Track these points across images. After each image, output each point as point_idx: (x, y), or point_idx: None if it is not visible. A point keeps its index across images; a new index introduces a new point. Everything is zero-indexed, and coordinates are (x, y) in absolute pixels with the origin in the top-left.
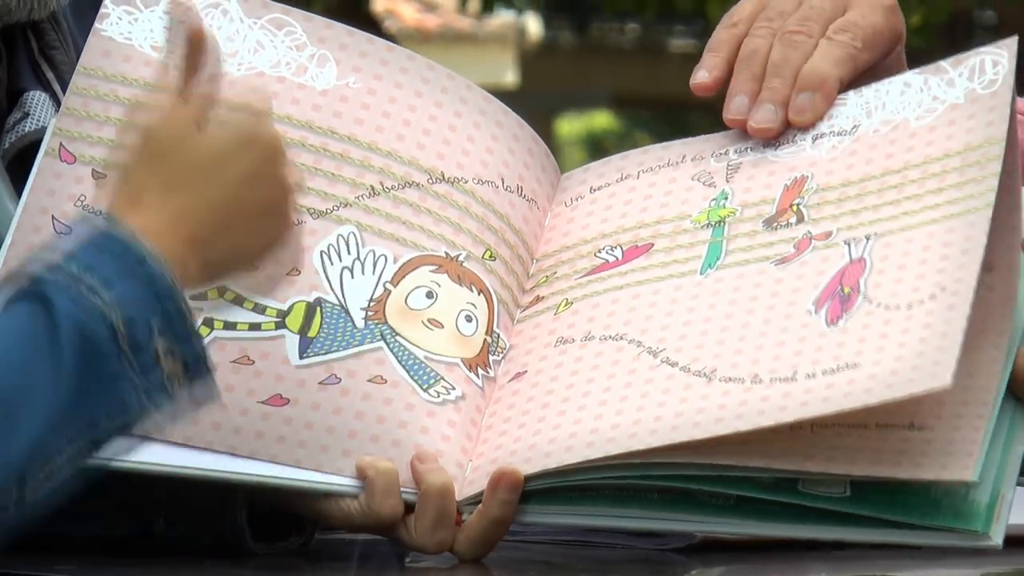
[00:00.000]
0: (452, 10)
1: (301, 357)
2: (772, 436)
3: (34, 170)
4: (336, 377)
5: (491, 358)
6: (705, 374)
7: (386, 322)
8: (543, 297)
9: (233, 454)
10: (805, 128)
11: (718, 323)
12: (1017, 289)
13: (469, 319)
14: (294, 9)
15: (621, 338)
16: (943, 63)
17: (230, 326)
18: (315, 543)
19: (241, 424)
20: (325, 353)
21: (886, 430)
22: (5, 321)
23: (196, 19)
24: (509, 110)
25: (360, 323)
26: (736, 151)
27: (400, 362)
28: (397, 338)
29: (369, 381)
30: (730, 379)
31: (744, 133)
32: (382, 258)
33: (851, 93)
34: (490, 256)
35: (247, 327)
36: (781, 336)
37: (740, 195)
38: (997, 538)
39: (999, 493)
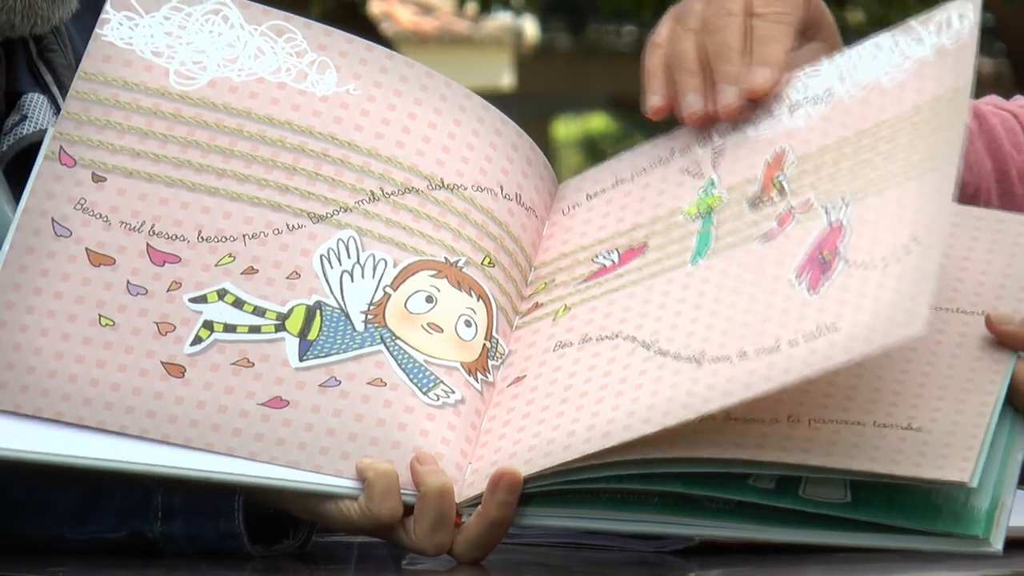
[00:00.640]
0: (449, 13)
1: (301, 360)
2: (770, 430)
3: (34, 173)
4: (336, 380)
5: (490, 363)
6: (695, 358)
7: (386, 325)
8: (542, 304)
9: (233, 456)
10: (767, 98)
11: (707, 308)
12: None
13: (468, 324)
14: (294, 16)
15: (616, 336)
16: (912, 22)
17: (230, 328)
18: (312, 545)
19: (241, 426)
20: (325, 356)
21: (883, 429)
22: None
23: None
24: (507, 119)
25: (360, 326)
26: (719, 134)
27: (400, 365)
28: (397, 341)
29: (369, 384)
30: (718, 359)
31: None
32: (382, 262)
33: (824, 61)
34: (489, 263)
35: (247, 330)
36: (766, 311)
37: (726, 179)
38: (997, 544)
39: (999, 499)
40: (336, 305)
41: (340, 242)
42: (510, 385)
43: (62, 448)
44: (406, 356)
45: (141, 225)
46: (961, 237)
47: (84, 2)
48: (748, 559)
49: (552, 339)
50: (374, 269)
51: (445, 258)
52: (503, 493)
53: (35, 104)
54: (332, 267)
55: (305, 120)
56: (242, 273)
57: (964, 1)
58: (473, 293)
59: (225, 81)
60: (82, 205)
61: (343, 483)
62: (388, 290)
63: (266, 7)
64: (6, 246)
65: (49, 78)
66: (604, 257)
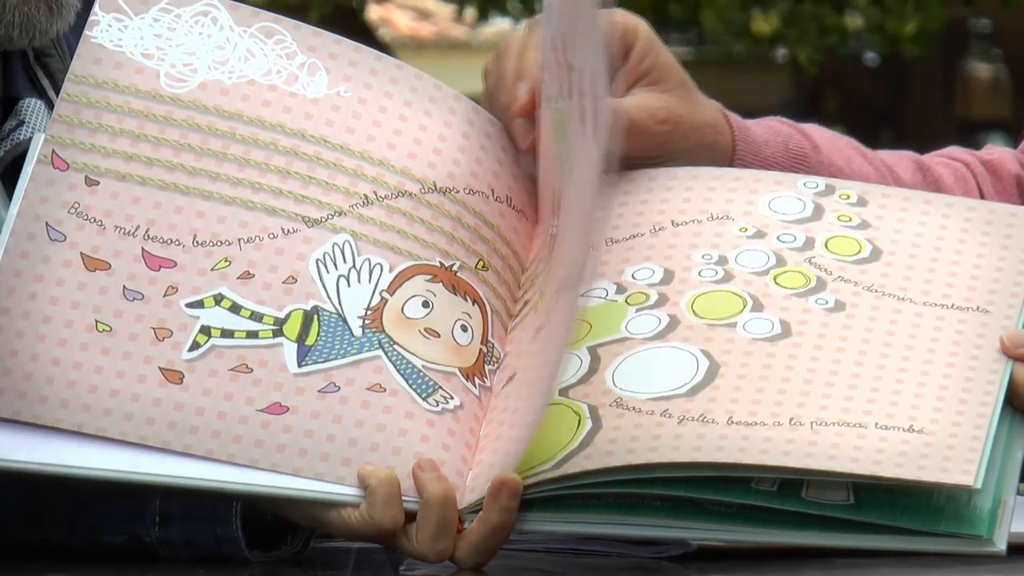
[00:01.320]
0: (446, 18)
1: (299, 365)
2: (774, 433)
3: (27, 176)
4: (335, 385)
5: (487, 367)
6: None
7: (384, 331)
8: (529, 301)
9: (234, 463)
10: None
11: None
12: None
13: (464, 329)
14: (283, 18)
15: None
16: None
17: (227, 334)
18: (310, 550)
19: (241, 432)
20: (323, 361)
21: (885, 431)
22: None
23: None
24: (496, 120)
25: (358, 331)
26: None
27: (399, 371)
28: (395, 347)
29: (368, 389)
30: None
31: None
32: (378, 267)
33: None
34: (483, 267)
35: (244, 335)
36: None
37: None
38: (1001, 543)
39: (1000, 499)
40: (333, 310)
41: (335, 246)
42: (504, 386)
43: (62, 459)
44: (404, 361)
45: (136, 230)
46: (952, 230)
47: (83, 3)
48: (746, 564)
49: (533, 329)
50: (370, 273)
51: (440, 262)
52: (505, 498)
53: (32, 109)
54: (328, 272)
55: (297, 123)
56: (238, 278)
57: None
58: (468, 298)
59: (216, 83)
60: (76, 209)
61: (345, 491)
62: (384, 295)
63: (254, 8)
64: (0, 250)
65: (46, 83)
66: None
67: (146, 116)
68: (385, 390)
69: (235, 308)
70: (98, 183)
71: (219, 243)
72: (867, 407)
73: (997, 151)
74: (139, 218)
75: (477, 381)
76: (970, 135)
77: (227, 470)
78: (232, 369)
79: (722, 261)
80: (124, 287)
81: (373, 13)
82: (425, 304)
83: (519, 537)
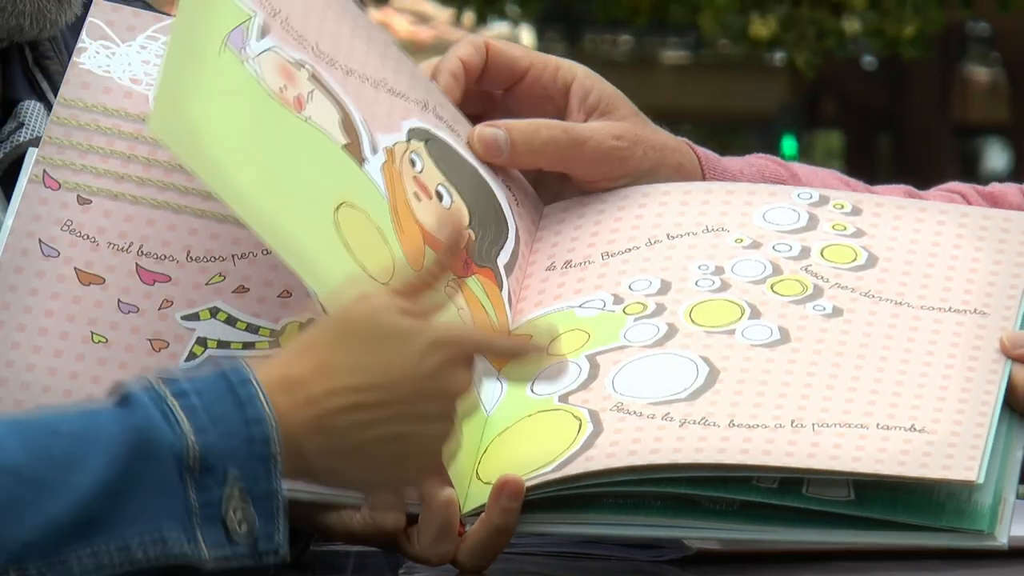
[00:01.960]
0: (446, 22)
1: None
2: (775, 435)
3: (19, 193)
4: None
5: None
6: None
7: None
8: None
9: None
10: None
11: None
12: None
13: None
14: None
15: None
16: None
17: (224, 345)
18: (309, 554)
19: None
20: None
21: (887, 431)
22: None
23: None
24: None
25: None
26: None
27: None
28: None
29: None
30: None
31: None
32: None
33: None
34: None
35: (241, 346)
36: None
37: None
38: (1002, 538)
39: (1001, 495)
40: None
41: None
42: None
43: None
44: None
45: (129, 246)
46: (947, 235)
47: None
48: (744, 568)
49: None
50: None
51: None
52: (507, 500)
53: (31, 111)
54: None
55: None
56: (233, 292)
57: None
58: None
59: None
60: (69, 226)
61: (346, 493)
62: None
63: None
64: None
65: (45, 85)
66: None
67: (136, 139)
68: None
69: (231, 320)
70: (91, 202)
71: (213, 259)
72: (868, 408)
73: (1000, 186)
74: (132, 235)
75: None
76: (968, 139)
77: None
78: None
79: (719, 271)
80: (119, 300)
81: (372, 16)
82: None
83: (519, 540)
